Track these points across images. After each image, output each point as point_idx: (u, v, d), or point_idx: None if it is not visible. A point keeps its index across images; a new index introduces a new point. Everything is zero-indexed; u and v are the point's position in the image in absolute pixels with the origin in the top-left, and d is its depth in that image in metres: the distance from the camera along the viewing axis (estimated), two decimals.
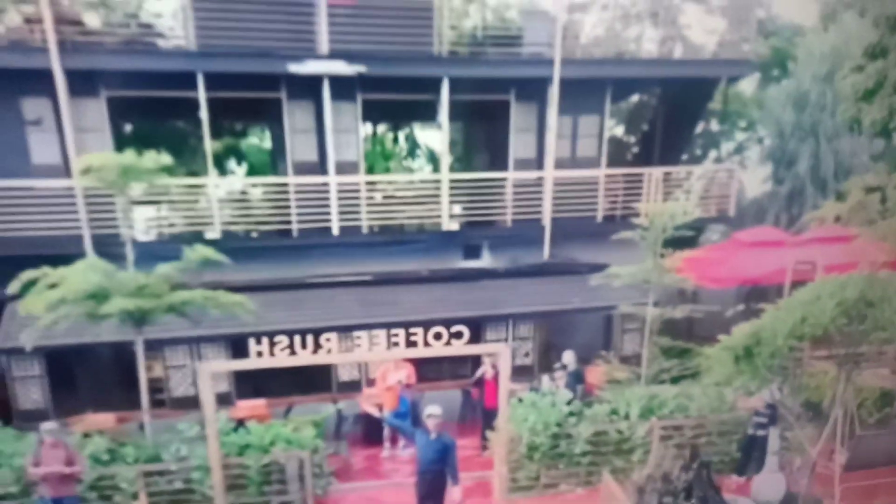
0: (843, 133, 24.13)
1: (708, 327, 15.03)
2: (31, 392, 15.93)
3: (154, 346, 14.81)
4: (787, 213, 25.35)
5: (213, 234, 16.99)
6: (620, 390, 14.60)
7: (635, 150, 26.79)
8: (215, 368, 12.58)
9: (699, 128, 27.08)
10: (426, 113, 22.60)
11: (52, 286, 11.66)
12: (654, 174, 19.89)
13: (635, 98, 26.78)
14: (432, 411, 10.75)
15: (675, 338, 14.87)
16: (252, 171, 26.92)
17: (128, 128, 19.94)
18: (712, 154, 31.91)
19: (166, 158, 12.52)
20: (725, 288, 18.90)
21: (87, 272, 11.78)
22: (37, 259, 12.33)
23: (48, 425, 11.41)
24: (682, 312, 14.72)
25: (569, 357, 16.06)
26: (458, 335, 17.92)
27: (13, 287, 11.63)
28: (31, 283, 11.71)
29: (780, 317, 10.74)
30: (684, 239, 15.02)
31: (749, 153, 32.33)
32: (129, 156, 12.37)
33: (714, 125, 31.09)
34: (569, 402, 13.88)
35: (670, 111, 23.51)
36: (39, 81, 15.70)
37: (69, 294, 11.46)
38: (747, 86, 30.13)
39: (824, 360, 12.85)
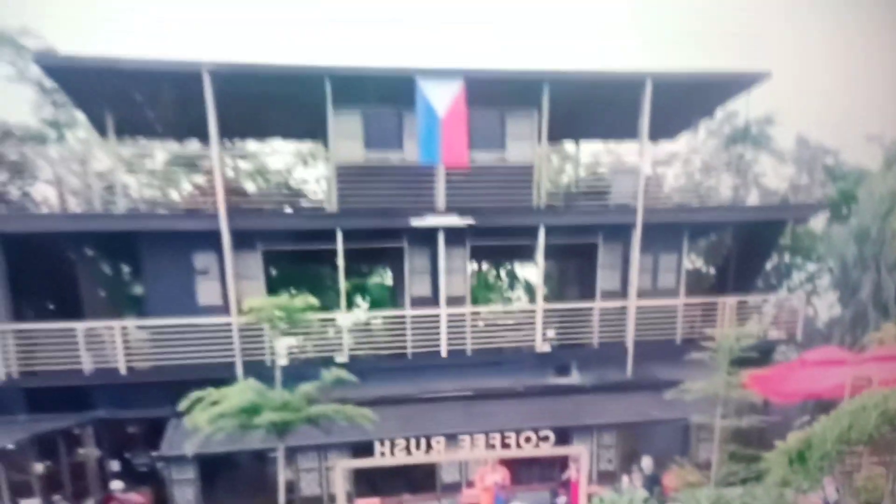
0: None
1: (780, 435, 16.16)
2: (186, 493, 17.85)
3: (289, 453, 16.23)
4: (850, 335, 25.62)
5: (341, 358, 18.81)
6: (692, 492, 15.94)
7: (712, 280, 27.79)
8: (349, 465, 14.38)
9: (773, 260, 28.45)
10: (525, 253, 24.23)
11: (214, 403, 13.83)
12: (728, 302, 21.44)
13: (713, 235, 28.01)
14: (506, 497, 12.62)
15: (748, 445, 15.89)
16: (373, 305, 29.04)
17: (276, 272, 22.42)
18: (786, 283, 32.63)
19: (312, 300, 15.05)
20: (792, 402, 19.89)
21: (243, 391, 13.76)
22: (196, 383, 14.47)
23: None
24: (747, 423, 15.66)
25: (646, 462, 17.18)
26: (547, 439, 18.97)
27: (183, 405, 13.60)
28: (197, 401, 13.86)
29: (830, 424, 12.05)
30: (754, 358, 16.15)
31: (820, 282, 33.42)
32: (283, 299, 14.69)
33: (787, 257, 32.30)
34: (644, 501, 15.34)
35: (744, 246, 24.66)
36: (208, 239, 18.45)
37: (228, 409, 13.32)
38: (818, 222, 31.33)
39: (878, 464, 14.06)
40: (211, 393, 13.95)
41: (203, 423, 13.48)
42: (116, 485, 17.68)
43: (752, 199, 31.54)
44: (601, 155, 31.46)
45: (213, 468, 18.14)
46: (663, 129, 24.52)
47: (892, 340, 18.91)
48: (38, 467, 17.37)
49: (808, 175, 32.47)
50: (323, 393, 14.75)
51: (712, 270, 29.00)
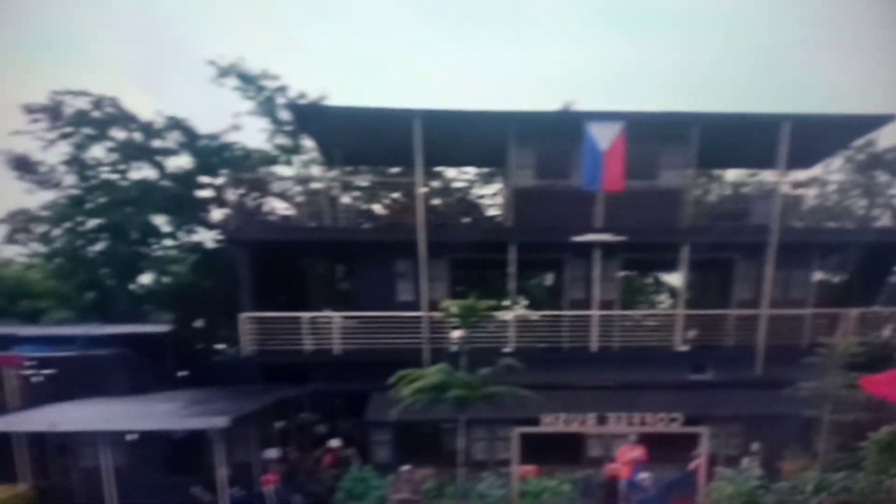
0: None
1: None
2: (382, 452, 20.79)
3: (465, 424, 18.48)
4: None
5: (508, 349, 21.20)
6: (802, 475, 17.58)
7: (839, 292, 27.78)
8: (523, 431, 16.53)
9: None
10: (670, 264, 25.61)
11: (414, 380, 16.86)
12: (851, 313, 22.76)
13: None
14: (644, 476, 14.99)
15: (855, 438, 17.71)
16: (533, 305, 31.21)
17: (457, 275, 24.66)
18: None
19: (492, 302, 17.93)
20: None
21: (437, 372, 16.87)
22: (391, 364, 17.76)
23: (406, 467, 16.69)
24: (850, 418, 17.41)
25: (755, 447, 18.91)
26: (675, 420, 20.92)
27: (392, 381, 16.85)
28: (401, 378, 16.95)
29: None
30: (874, 362, 17.82)
31: None
32: (471, 301, 17.82)
33: None
34: (758, 479, 17.13)
35: (869, 263, 25.52)
36: (407, 248, 21.60)
37: (426, 385, 16.50)
38: None
39: None
40: (412, 372, 17.11)
41: (406, 395, 16.63)
42: (335, 441, 20.21)
43: (885, 220, 32.10)
44: (744, 180, 33.03)
45: (403, 433, 20.83)
46: (800, 160, 25.67)
47: None
48: (278, 425, 20.83)
49: None
50: (495, 377, 17.34)
51: (839, 283, 29.46)
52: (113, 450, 15.67)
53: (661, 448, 18.25)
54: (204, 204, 31.61)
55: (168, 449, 18.48)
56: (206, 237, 32.31)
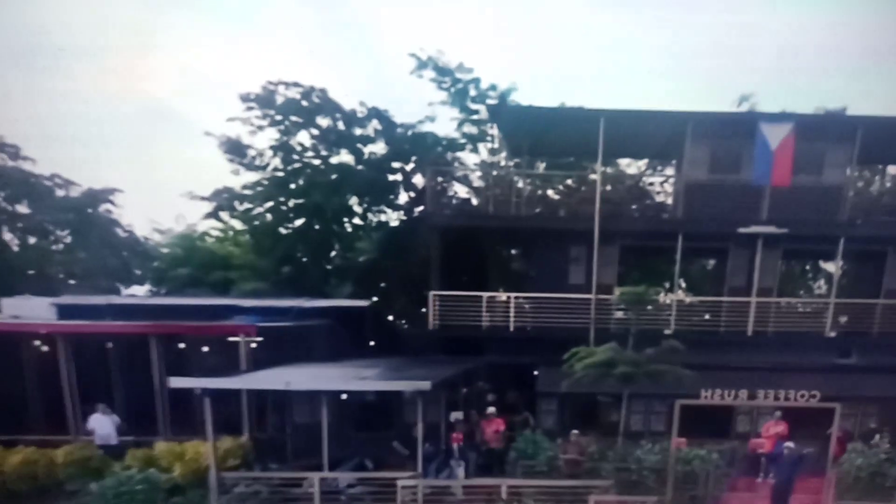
0: None
1: None
2: (549, 419, 23.14)
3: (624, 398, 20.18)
4: None
5: (669, 330, 22.62)
6: None
7: None
8: (684, 403, 18.00)
9: None
10: (827, 254, 26.60)
11: (584, 357, 18.90)
12: None
13: None
14: (787, 445, 16.81)
15: None
16: (693, 290, 32.16)
17: (625, 260, 26.07)
18: None
19: (659, 289, 19.75)
20: None
21: (607, 350, 18.82)
22: (559, 341, 20.19)
23: (574, 432, 19.19)
24: None
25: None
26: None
27: (568, 356, 19.07)
28: (574, 354, 19.15)
29: None
30: None
31: None
32: (643, 288, 19.71)
33: None
34: (887, 452, 18.66)
35: None
36: (582, 235, 23.60)
37: (597, 361, 18.58)
38: None
39: None
40: (584, 349, 19.33)
41: (578, 369, 18.82)
42: (491, 410, 21.60)
43: None
44: None
45: (568, 404, 23.09)
46: None
47: None
48: (463, 391, 23.20)
49: None
50: (659, 356, 19.04)
51: None
52: (324, 408, 18.30)
53: (803, 426, 19.74)
54: (394, 187, 34.36)
55: (360, 409, 21.31)
56: (391, 217, 35.26)
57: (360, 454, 19.41)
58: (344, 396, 19.55)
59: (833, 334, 24.00)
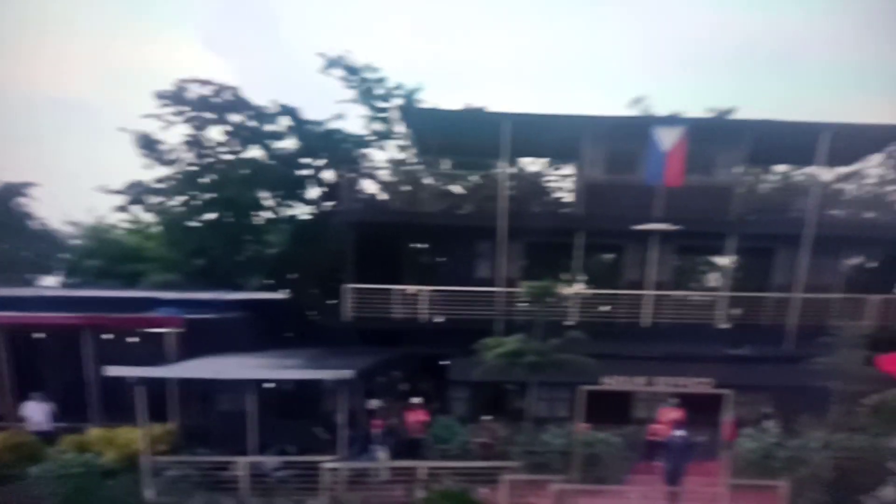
0: None
1: None
2: (460, 407, 24.51)
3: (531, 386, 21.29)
4: None
5: (570, 322, 23.81)
6: (811, 433, 20.26)
7: (866, 280, 30.05)
8: (588, 389, 19.01)
9: None
10: (719, 250, 27.93)
11: (494, 347, 20.05)
12: (874, 299, 25.21)
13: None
14: (679, 433, 18.33)
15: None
16: (592, 284, 33.91)
17: (528, 255, 27.24)
18: None
19: (560, 283, 21.07)
20: None
21: (515, 341, 20.03)
22: (468, 333, 21.23)
23: (486, 417, 20.53)
24: (856, 389, 20.06)
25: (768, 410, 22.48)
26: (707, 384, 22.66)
27: (479, 346, 20.22)
28: (485, 345, 20.31)
29: None
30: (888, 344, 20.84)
31: None
32: (547, 282, 21.06)
33: None
34: (776, 437, 20.07)
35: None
36: (488, 232, 24.90)
37: (506, 351, 19.79)
38: None
39: None
40: (495, 340, 20.56)
41: (489, 358, 20.01)
42: (417, 399, 22.77)
43: None
44: (788, 176, 35.73)
45: (479, 392, 24.41)
46: (841, 158, 28.36)
47: None
48: (380, 380, 24.27)
49: None
50: (564, 346, 20.25)
51: (869, 270, 31.80)
52: (249, 396, 19.23)
53: (700, 412, 21.02)
54: (304, 182, 35.33)
55: (282, 398, 21.85)
56: (303, 211, 36.12)
57: (282, 441, 20.18)
58: (267, 385, 20.24)
59: (726, 326, 25.57)
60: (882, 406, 17.71)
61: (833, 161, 27.38)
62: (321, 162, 34.99)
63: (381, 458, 19.96)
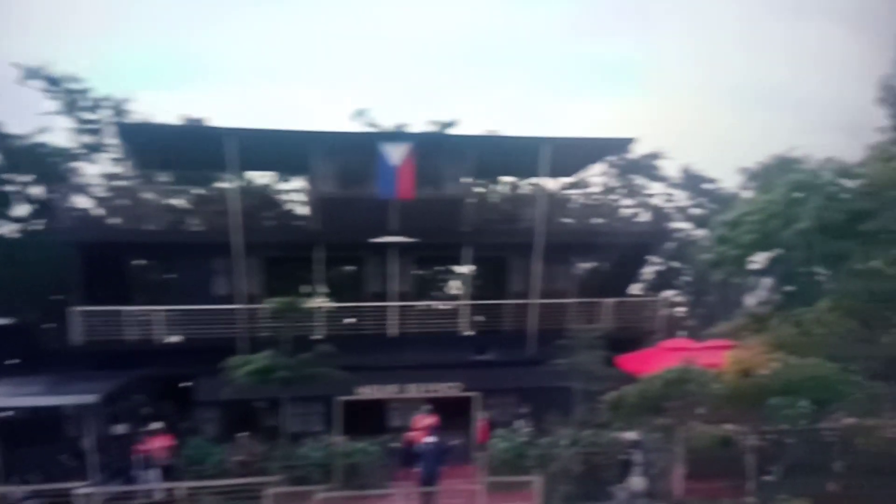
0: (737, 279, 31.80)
1: None
2: (210, 427, 25.37)
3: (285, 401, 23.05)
4: (700, 329, 33.25)
5: (318, 336, 25.46)
6: (560, 431, 23.06)
7: (600, 283, 33.13)
8: (346, 398, 21.56)
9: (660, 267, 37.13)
10: (457, 260, 30.66)
11: (243, 365, 21.62)
12: (607, 302, 28.75)
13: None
14: (431, 440, 20.49)
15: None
16: (336, 298, 35.95)
17: (270, 271, 28.68)
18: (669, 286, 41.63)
19: (305, 298, 23.14)
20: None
21: (264, 357, 21.68)
22: (211, 352, 22.64)
23: (242, 434, 22.31)
24: (596, 388, 22.63)
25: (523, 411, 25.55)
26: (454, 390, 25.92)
27: (229, 365, 21.62)
28: (233, 363, 21.80)
29: (633, 387, 20.30)
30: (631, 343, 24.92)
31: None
32: (291, 298, 22.96)
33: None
34: (526, 436, 22.95)
35: (623, 258, 31.99)
36: (223, 248, 26.07)
37: (255, 368, 21.34)
38: None
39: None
40: (243, 358, 22.12)
41: (239, 377, 21.53)
42: (157, 424, 23.01)
43: (645, 217, 39.38)
44: (519, 187, 39.53)
45: (230, 411, 25.53)
46: (563, 169, 32.47)
47: (724, 335, 26.60)
48: (124, 405, 24.47)
49: (690, 198, 41.37)
50: (314, 361, 22.36)
51: (600, 276, 35.59)
52: None
53: (454, 417, 23.62)
54: (9, 199, 34.76)
55: (20, 426, 22.33)
56: (8, 230, 35.35)
57: (25, 470, 20.48)
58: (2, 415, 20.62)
59: (471, 333, 28.24)
60: (620, 402, 20.78)
61: (556, 172, 31.12)
62: (28, 178, 34.63)
63: (139, 483, 20.83)
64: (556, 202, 32.51)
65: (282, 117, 69.57)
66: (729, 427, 23.06)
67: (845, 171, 24.80)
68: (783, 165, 26.18)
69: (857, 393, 20.07)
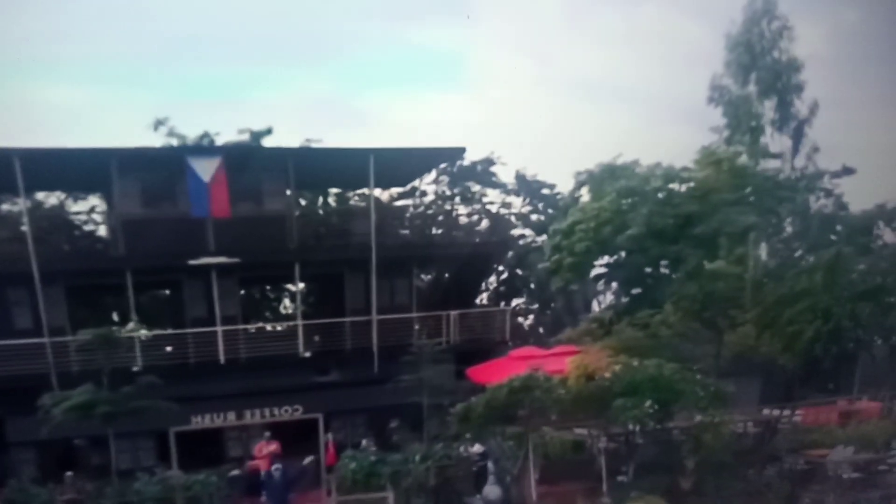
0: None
1: None
2: (28, 468, 25.03)
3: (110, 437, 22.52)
4: (549, 336, 35.13)
5: (137, 367, 25.39)
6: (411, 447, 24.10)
7: (444, 295, 34.68)
8: (179, 429, 21.37)
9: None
10: (287, 279, 31.74)
11: (60, 401, 21.41)
12: (451, 314, 29.95)
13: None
14: (276, 467, 21.28)
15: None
16: (154, 325, 35.46)
17: (76, 299, 28.47)
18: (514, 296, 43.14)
19: (125, 328, 23.42)
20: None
21: (84, 392, 21.53)
22: (18, 392, 23.04)
23: (69, 473, 22.38)
24: (447, 402, 23.97)
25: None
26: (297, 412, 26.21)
27: (44, 402, 21.36)
28: (50, 400, 21.52)
29: (481, 397, 21.31)
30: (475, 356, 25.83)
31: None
32: (103, 329, 22.72)
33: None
34: (375, 453, 23.85)
35: (464, 270, 33.36)
36: (15, 277, 25.97)
37: (75, 404, 21.17)
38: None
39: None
40: (59, 394, 22.11)
41: (58, 414, 21.34)
42: None
43: (484, 225, 41.33)
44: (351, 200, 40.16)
45: (50, 450, 25.39)
46: (394, 180, 33.62)
47: (570, 341, 28.45)
48: None
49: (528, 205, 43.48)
50: (138, 393, 22.36)
51: (440, 289, 36.97)
52: None
53: (299, 442, 24.04)
54: None
55: None
56: None
57: None
58: None
59: (308, 354, 28.79)
60: (468, 413, 21.99)
61: (386, 183, 32.53)
62: None
63: None
64: (390, 213, 33.97)
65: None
66: (580, 431, 24.46)
67: (675, 176, 27.05)
68: (612, 172, 27.91)
69: (700, 391, 21.58)
